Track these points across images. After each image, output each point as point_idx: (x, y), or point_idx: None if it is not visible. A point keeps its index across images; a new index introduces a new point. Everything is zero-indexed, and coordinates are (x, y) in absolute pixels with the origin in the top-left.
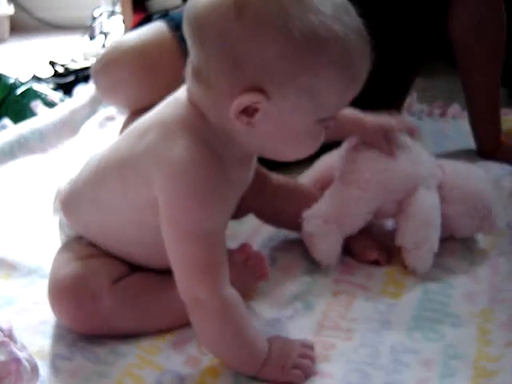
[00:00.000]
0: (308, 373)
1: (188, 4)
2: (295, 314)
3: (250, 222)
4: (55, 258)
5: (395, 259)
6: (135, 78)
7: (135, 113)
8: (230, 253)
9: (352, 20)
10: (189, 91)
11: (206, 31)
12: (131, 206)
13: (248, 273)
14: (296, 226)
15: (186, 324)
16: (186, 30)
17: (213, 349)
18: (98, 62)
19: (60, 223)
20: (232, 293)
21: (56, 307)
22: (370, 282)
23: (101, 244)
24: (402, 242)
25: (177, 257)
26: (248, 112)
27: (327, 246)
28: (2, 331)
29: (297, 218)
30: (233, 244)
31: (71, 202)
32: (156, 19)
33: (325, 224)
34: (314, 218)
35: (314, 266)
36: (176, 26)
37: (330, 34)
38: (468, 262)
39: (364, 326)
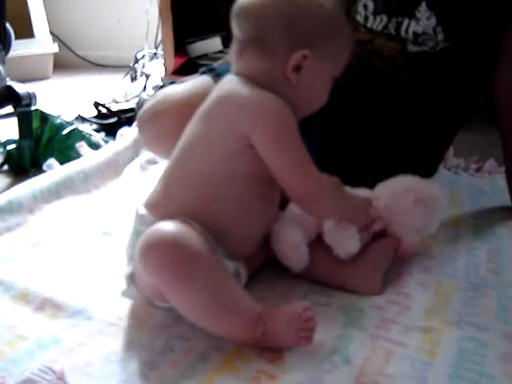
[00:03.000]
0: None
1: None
2: (333, 368)
3: (288, 276)
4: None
5: (430, 318)
6: (181, 130)
7: None
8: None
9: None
10: (238, 68)
11: (269, 14)
12: (221, 157)
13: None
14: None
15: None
16: (243, 18)
17: (335, 215)
18: (144, 112)
19: None
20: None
21: (148, 257)
22: (407, 339)
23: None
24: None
25: (285, 163)
26: (295, 69)
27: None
28: (55, 373)
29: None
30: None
31: (162, 205)
32: (202, 73)
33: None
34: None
35: (350, 320)
36: None
37: (341, 17)
38: (503, 321)
39: (401, 383)
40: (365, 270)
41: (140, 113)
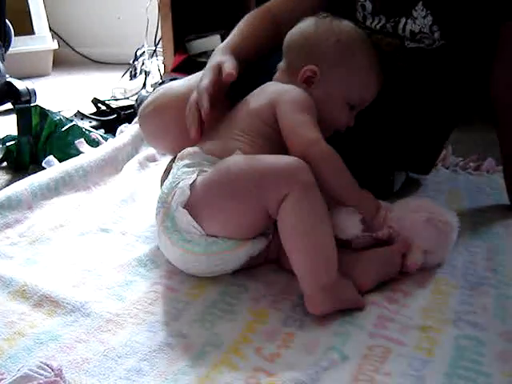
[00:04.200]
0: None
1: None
2: (330, 366)
3: (285, 274)
4: None
5: (428, 317)
6: (182, 124)
7: None
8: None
9: (371, 44)
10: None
11: (295, 38)
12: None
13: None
14: None
15: None
16: (287, 49)
17: (337, 181)
18: (145, 106)
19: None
20: None
21: None
22: (405, 337)
23: None
24: None
25: (297, 123)
26: (308, 82)
27: None
28: (53, 370)
29: None
30: None
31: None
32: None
33: None
34: None
35: (348, 317)
36: None
37: (359, 48)
38: (501, 319)
39: (398, 381)
40: (361, 266)
41: (141, 107)
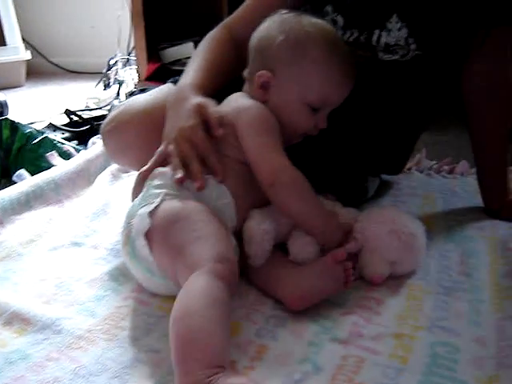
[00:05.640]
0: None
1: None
2: (304, 377)
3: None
4: None
5: (402, 324)
6: (144, 141)
7: None
8: (324, 259)
9: (336, 38)
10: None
11: (252, 44)
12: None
13: (335, 278)
14: None
15: None
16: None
17: (297, 208)
18: (107, 123)
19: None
20: None
21: None
22: (379, 345)
23: None
24: None
25: (260, 148)
26: (265, 87)
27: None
28: None
29: None
30: None
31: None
32: (168, 82)
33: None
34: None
35: (322, 328)
36: None
37: (313, 44)
38: (475, 324)
39: None
40: (294, 282)
41: (102, 125)
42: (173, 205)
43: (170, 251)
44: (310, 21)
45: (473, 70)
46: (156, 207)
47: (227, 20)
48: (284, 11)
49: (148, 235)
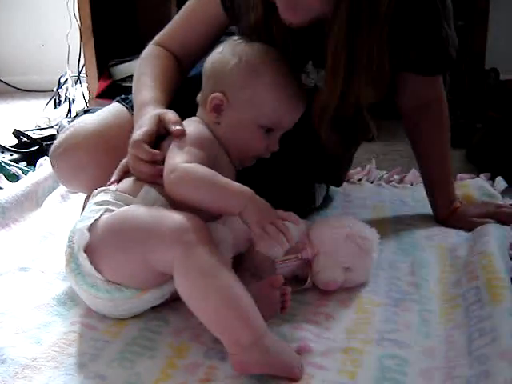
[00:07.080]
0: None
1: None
2: None
3: None
4: None
5: (351, 338)
6: (96, 162)
7: None
8: (260, 284)
9: (287, 64)
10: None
11: (206, 69)
12: None
13: (271, 303)
14: None
15: None
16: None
17: (198, 198)
18: (56, 147)
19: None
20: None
21: None
22: (327, 361)
23: None
24: None
25: (168, 152)
26: (217, 110)
27: None
28: None
29: None
30: None
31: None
32: (115, 101)
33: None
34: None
35: None
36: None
37: (265, 67)
38: (424, 335)
39: None
40: None
41: (51, 148)
42: (113, 212)
43: (125, 247)
44: (262, 46)
45: (403, 88)
46: (95, 221)
47: (156, 39)
48: (236, 37)
49: (90, 248)
